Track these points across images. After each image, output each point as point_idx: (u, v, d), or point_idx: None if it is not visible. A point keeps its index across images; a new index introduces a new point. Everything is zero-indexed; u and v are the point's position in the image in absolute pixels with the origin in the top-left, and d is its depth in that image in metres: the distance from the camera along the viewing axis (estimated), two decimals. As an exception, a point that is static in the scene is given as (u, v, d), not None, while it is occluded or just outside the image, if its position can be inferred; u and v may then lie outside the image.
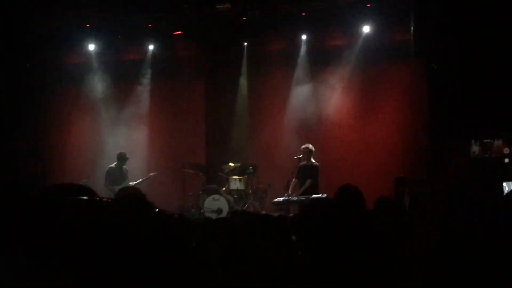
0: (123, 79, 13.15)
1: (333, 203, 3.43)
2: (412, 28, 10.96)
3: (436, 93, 11.01)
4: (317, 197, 9.31)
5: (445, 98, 10.75)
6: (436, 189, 9.90)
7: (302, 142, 10.59)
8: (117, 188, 10.36)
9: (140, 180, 11.10)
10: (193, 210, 11.42)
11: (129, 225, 1.75)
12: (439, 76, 10.96)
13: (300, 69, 12.63)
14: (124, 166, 11.11)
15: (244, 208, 11.02)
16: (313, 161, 10.27)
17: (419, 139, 11.68)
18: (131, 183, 10.97)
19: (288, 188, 9.74)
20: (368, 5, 11.40)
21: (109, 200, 1.94)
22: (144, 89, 13.17)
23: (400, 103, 11.97)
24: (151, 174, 11.36)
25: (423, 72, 11.68)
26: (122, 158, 11.04)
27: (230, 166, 11.88)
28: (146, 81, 13.16)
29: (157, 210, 2.22)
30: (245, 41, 12.79)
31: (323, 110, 12.44)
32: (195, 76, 13.41)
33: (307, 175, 10.08)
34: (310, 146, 10.25)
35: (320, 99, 12.48)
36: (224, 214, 10.93)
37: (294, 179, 10.25)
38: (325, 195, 9.29)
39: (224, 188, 11.63)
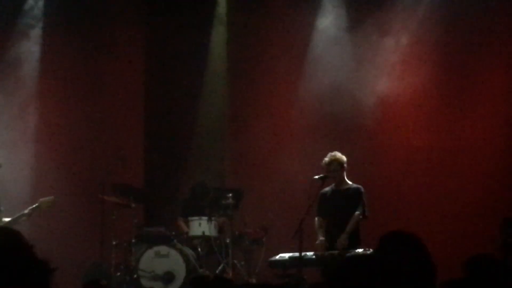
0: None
1: (382, 267, 3.44)
2: None
3: None
4: (357, 254, 9.30)
5: None
6: None
7: (327, 151, 10.60)
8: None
9: (22, 213, 11.04)
10: (119, 274, 11.39)
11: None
12: None
13: (328, 12, 12.72)
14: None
15: (217, 272, 11.00)
16: (350, 182, 10.26)
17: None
18: (5, 219, 10.86)
19: (300, 232, 9.68)
20: None
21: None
22: (30, 45, 13.17)
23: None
24: (43, 200, 11.31)
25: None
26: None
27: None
28: (34, 29, 13.16)
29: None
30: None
31: (371, 94, 12.45)
32: (128, 22, 13.41)
33: (347, 207, 10.04)
34: (339, 154, 10.23)
35: (365, 74, 12.51)
36: (177, 284, 10.99)
37: (317, 218, 10.23)
38: (370, 251, 9.25)
39: (178, 233, 11.67)
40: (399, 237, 4.11)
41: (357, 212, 10.02)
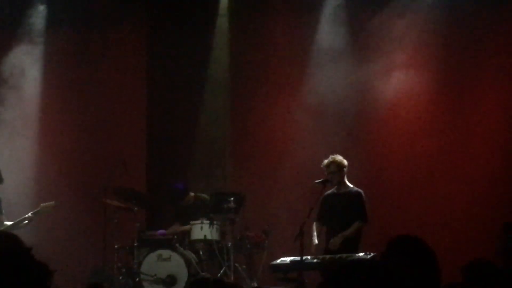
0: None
1: (384, 272, 3.44)
2: None
3: None
4: (358, 259, 9.28)
5: None
6: None
7: (329, 155, 10.58)
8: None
9: (23, 217, 11.07)
10: (121, 277, 11.42)
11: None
12: None
13: (330, 16, 12.73)
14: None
15: (219, 275, 10.98)
16: (350, 185, 10.29)
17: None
18: (6, 222, 10.94)
19: (301, 236, 9.69)
20: None
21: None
22: (32, 53, 13.22)
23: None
24: (44, 204, 11.33)
25: None
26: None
27: (192, 197, 12.01)
28: (36, 36, 13.22)
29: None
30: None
31: (373, 99, 12.49)
32: (130, 27, 13.49)
33: (347, 211, 10.08)
34: (339, 157, 10.26)
35: (367, 78, 12.52)
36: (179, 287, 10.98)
37: (315, 223, 10.25)
38: (370, 255, 9.24)
39: (179, 237, 11.67)
40: (408, 242, 4.11)
41: (357, 222, 10.04)
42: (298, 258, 9.57)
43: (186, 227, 11.75)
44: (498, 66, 12.08)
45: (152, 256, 11.28)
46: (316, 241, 10.05)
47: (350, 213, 10.10)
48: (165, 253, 11.27)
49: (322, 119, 12.68)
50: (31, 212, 11.11)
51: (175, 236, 11.58)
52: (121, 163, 12.05)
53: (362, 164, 11.44)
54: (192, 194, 12.04)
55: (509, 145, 11.94)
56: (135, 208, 11.80)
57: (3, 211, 11.11)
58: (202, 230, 11.50)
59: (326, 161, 10.23)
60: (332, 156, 10.25)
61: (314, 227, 10.20)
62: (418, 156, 12.29)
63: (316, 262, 9.74)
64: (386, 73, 12.43)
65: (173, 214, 12.22)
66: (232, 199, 11.52)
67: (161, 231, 11.72)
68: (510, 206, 11.40)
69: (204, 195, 12.11)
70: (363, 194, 10.21)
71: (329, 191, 10.27)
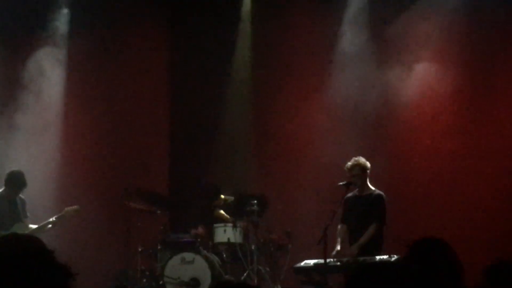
0: (8, 31, 13.06)
1: (407, 273, 3.42)
2: None
3: None
4: (381, 261, 9.26)
5: None
6: None
7: (352, 157, 10.57)
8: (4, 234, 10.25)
9: (48, 221, 11.13)
10: (145, 281, 11.42)
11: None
12: None
13: (352, 18, 12.74)
14: (20, 195, 11.22)
15: (242, 278, 11.01)
16: (372, 188, 10.27)
17: None
18: (31, 225, 11.01)
19: (325, 239, 9.68)
20: None
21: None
22: (54, 56, 13.25)
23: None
24: (68, 209, 11.38)
25: None
26: (16, 182, 11.04)
27: (222, 199, 12.01)
28: (58, 40, 13.26)
29: None
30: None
31: (395, 99, 12.47)
32: (153, 29, 13.54)
33: (367, 214, 10.08)
34: (363, 159, 10.23)
35: (389, 79, 12.51)
36: (203, 291, 10.93)
37: (340, 225, 10.25)
38: (394, 258, 9.23)
39: (201, 239, 11.67)
40: (431, 244, 4.09)
41: (373, 224, 10.00)
42: (321, 260, 9.56)
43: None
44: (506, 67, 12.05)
45: (176, 259, 11.28)
46: (338, 247, 10.00)
47: (369, 216, 10.06)
48: (189, 256, 11.28)
49: (345, 121, 12.67)
50: (55, 216, 11.15)
51: (198, 239, 11.59)
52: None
53: (385, 166, 11.42)
54: (222, 196, 12.05)
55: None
56: (158, 211, 11.84)
57: (28, 215, 11.18)
58: (225, 233, 11.50)
59: (349, 163, 10.19)
60: (356, 159, 10.22)
61: (339, 231, 10.17)
62: (442, 156, 12.25)
63: (339, 264, 9.72)
64: (408, 74, 12.42)
65: (196, 215, 12.16)
66: (255, 201, 11.53)
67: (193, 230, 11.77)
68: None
69: (231, 197, 12.10)
70: (384, 197, 10.16)
71: (351, 194, 10.23)
